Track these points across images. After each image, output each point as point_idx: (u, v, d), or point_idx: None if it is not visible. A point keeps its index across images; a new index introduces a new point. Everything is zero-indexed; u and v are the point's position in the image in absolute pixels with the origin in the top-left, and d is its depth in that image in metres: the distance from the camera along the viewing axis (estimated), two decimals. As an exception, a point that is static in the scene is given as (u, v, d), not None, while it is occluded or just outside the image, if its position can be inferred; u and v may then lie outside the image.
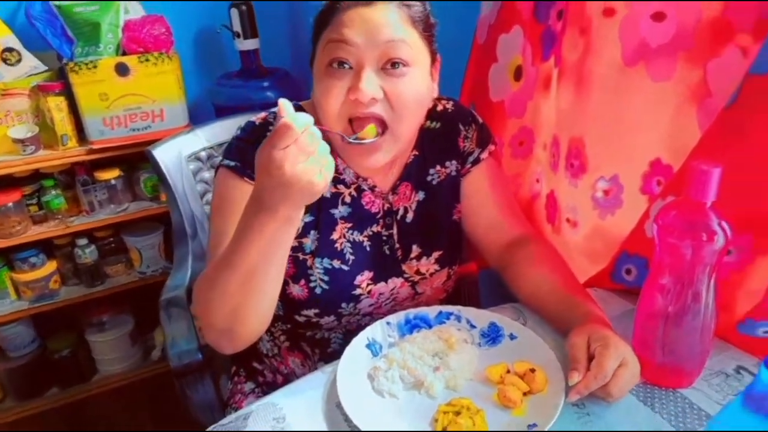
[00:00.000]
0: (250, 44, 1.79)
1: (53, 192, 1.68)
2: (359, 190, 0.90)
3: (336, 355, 0.93)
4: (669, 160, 0.91)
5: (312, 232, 0.88)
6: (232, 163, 0.84)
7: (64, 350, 1.83)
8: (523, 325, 0.83)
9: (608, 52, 0.95)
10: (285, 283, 0.91)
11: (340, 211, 0.90)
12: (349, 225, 0.90)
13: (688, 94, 0.86)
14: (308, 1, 0.88)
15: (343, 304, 0.90)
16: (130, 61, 1.57)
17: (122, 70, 1.57)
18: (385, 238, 0.93)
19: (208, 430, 0.72)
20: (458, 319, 0.86)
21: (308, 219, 0.88)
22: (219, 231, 0.83)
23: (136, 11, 1.68)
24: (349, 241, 0.90)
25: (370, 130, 0.79)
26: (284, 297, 0.92)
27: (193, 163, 1.26)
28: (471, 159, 0.97)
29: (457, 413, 0.68)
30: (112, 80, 1.56)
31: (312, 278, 0.89)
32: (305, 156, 0.62)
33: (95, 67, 1.54)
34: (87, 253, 1.75)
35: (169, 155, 1.24)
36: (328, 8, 0.80)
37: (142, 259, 1.85)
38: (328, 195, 0.89)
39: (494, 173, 0.99)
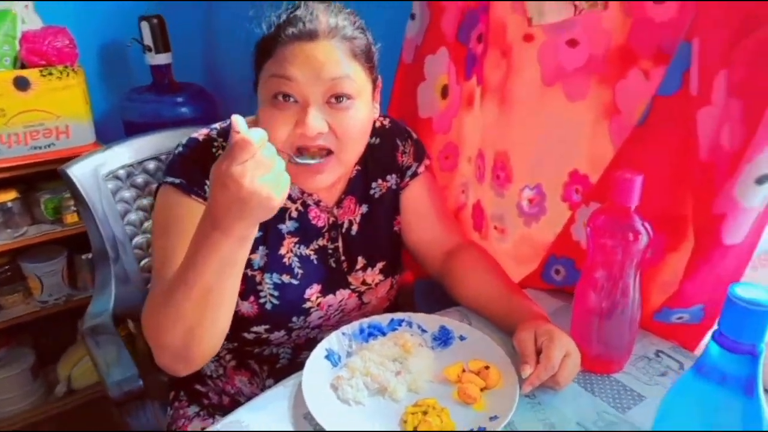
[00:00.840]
0: (162, 59, 1.73)
1: (-62, 217, 1.51)
2: (305, 205, 0.92)
3: (285, 370, 0.94)
4: (586, 171, 1.02)
5: (260, 247, 0.89)
6: (177, 181, 0.83)
7: (-48, 393, 1.64)
8: (469, 326, 0.89)
9: (528, 74, 1.05)
10: None
11: (287, 226, 0.91)
12: (296, 239, 0.92)
13: (601, 112, 0.97)
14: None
15: (294, 318, 0.91)
16: (30, 74, 1.47)
17: (21, 83, 1.46)
18: (330, 251, 0.95)
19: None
20: (410, 324, 0.90)
21: (257, 234, 0.88)
22: (166, 251, 0.81)
23: (35, 22, 1.57)
24: (296, 255, 0.91)
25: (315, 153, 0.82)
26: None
27: (111, 182, 1.21)
28: (409, 173, 1.01)
29: (424, 413, 0.72)
30: (10, 95, 1.45)
31: (262, 294, 0.89)
32: (264, 170, 0.62)
33: (-10, 80, 1.42)
34: (-21, 284, 1.60)
35: (85, 174, 1.18)
36: (270, 38, 0.80)
37: (42, 287, 1.71)
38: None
39: (431, 186, 1.04)
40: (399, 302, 1.21)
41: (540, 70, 1.03)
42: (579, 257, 0.94)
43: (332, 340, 0.85)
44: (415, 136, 1.05)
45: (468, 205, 1.27)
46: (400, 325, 0.89)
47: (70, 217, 1.67)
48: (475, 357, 0.81)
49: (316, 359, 0.81)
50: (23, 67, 1.49)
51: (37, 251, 1.70)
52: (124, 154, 1.23)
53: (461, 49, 1.15)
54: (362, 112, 0.83)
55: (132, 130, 1.75)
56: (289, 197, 0.91)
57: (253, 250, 0.87)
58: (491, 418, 0.71)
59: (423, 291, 1.26)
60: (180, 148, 0.87)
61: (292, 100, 0.78)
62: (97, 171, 1.18)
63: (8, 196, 1.59)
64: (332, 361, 0.82)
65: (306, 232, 0.92)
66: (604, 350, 0.81)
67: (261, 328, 0.90)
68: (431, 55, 1.17)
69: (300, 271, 0.91)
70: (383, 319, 0.90)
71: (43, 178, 1.63)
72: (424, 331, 0.89)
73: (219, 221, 0.65)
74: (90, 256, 1.77)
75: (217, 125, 0.90)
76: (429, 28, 1.16)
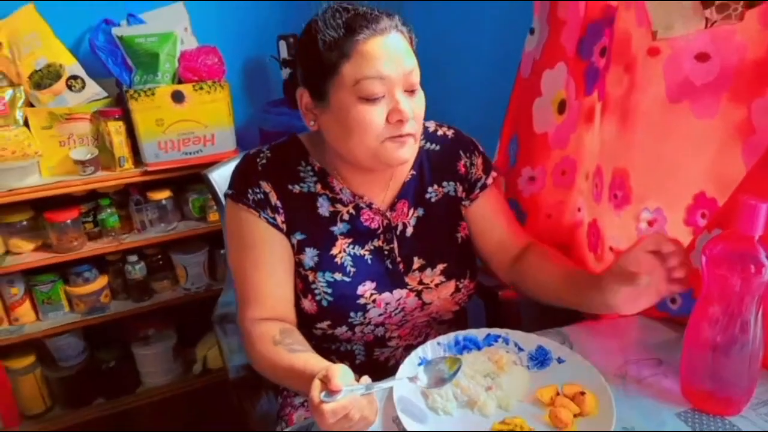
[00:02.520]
0: (296, 73, 1.87)
1: (108, 210, 1.76)
2: (357, 208, 0.97)
3: (363, 367, 1.00)
4: (713, 194, 0.94)
5: (307, 249, 0.95)
6: (230, 191, 0.95)
7: (111, 362, 1.90)
8: (570, 349, 0.86)
9: (653, 89, 0.99)
10: (297, 298, 0.97)
11: (339, 227, 0.96)
12: (349, 240, 0.96)
13: (732, 131, 0.90)
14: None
15: (352, 314, 0.95)
16: (185, 89, 1.66)
17: (178, 97, 1.66)
18: (386, 252, 0.98)
19: (274, 439, 0.77)
20: (506, 341, 0.89)
21: (300, 237, 0.94)
22: (238, 269, 0.95)
23: (191, 42, 1.78)
24: (349, 255, 0.96)
25: None
26: (300, 311, 0.98)
27: (244, 186, 1.33)
28: (479, 185, 1.04)
29: (511, 432, 0.72)
30: (168, 107, 1.65)
31: (317, 292, 0.94)
32: (347, 421, 0.69)
33: (153, 94, 1.63)
34: (137, 270, 1.83)
35: (223, 178, 1.31)
36: (342, 40, 0.82)
37: (187, 276, 1.92)
38: (326, 214, 0.96)
39: (498, 196, 1.09)
40: (504, 316, 1.21)
41: (665, 85, 0.97)
42: (697, 286, 0.87)
43: (427, 349, 0.87)
44: (481, 148, 1.08)
45: (584, 223, 1.23)
46: (496, 340, 0.90)
47: (213, 216, 1.86)
48: (571, 381, 0.79)
49: (409, 365, 0.84)
50: (180, 82, 1.70)
51: (184, 244, 1.91)
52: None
53: (581, 64, 1.11)
54: (422, 95, 0.89)
55: (266, 138, 1.91)
56: (341, 201, 0.96)
57: (300, 251, 0.95)
58: (581, 446, 0.70)
59: (529, 308, 1.23)
60: (237, 163, 0.98)
61: (379, 96, 0.83)
62: (233, 176, 1.31)
63: (163, 195, 1.81)
64: (425, 370, 0.85)
65: (359, 233, 0.97)
66: (719, 388, 0.75)
67: (324, 324, 0.96)
68: (549, 70, 1.15)
69: (352, 270, 0.95)
70: (479, 333, 0.90)
71: (191, 180, 1.84)
72: (521, 349, 0.88)
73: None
74: (226, 251, 1.96)
75: (274, 142, 1.00)
76: (547, 42, 1.14)
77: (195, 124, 1.70)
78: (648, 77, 1.00)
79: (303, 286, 0.96)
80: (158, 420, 1.91)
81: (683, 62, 0.93)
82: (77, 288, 1.77)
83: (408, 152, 0.88)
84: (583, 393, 0.76)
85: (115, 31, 1.66)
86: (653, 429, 0.73)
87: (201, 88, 1.67)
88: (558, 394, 0.78)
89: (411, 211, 1.00)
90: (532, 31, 1.18)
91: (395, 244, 0.99)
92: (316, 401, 0.67)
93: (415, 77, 0.86)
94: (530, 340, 0.88)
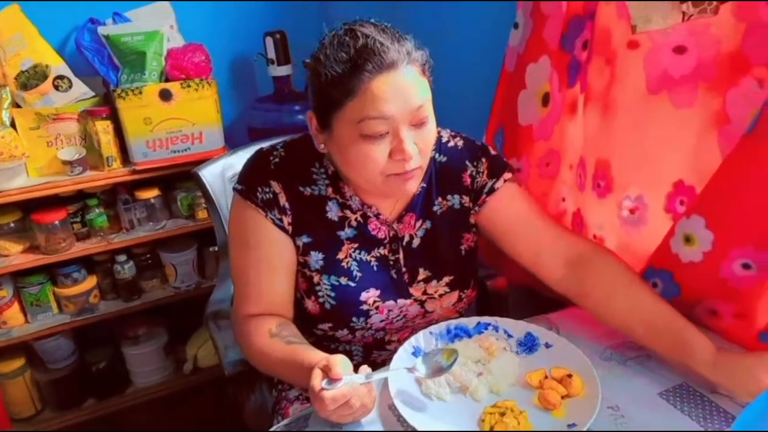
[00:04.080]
0: (283, 70, 1.88)
1: (96, 210, 1.76)
2: (365, 217, 0.96)
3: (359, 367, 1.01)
4: (691, 182, 0.98)
5: (313, 252, 0.94)
6: (239, 187, 0.94)
7: (101, 362, 1.90)
8: (557, 334, 0.89)
9: (633, 81, 1.02)
10: (301, 298, 0.98)
11: (347, 232, 0.95)
12: (356, 245, 0.96)
13: (709, 121, 0.93)
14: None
15: (354, 319, 0.96)
16: (173, 87, 1.66)
17: (165, 95, 1.66)
18: (392, 261, 0.98)
19: (271, 430, 0.78)
20: (496, 329, 0.92)
21: (306, 240, 0.94)
22: (239, 266, 0.95)
23: (177, 40, 1.78)
24: (355, 260, 0.96)
25: None
26: (302, 311, 0.99)
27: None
28: (486, 189, 1.00)
29: (502, 414, 0.74)
30: (156, 105, 1.66)
31: (320, 294, 0.95)
32: (347, 409, 0.72)
33: (140, 93, 1.63)
34: (126, 269, 1.83)
35: (213, 176, 1.32)
36: (347, 78, 0.79)
37: (176, 274, 1.92)
38: (335, 218, 0.95)
39: (519, 195, 1.01)
40: (493, 309, 1.23)
41: (645, 77, 1.00)
42: (677, 271, 0.90)
43: (419, 338, 0.89)
44: (492, 152, 1.03)
45: (568, 213, 1.26)
46: (486, 328, 0.92)
47: (201, 213, 1.87)
48: (559, 365, 0.82)
49: (403, 354, 0.86)
50: (167, 80, 1.70)
51: (173, 243, 1.91)
52: (246, 158, 1.36)
53: (564, 57, 1.14)
54: (433, 123, 0.86)
55: (255, 135, 1.92)
56: (350, 208, 0.95)
57: (307, 254, 0.94)
58: (569, 425, 0.72)
59: (516, 297, 1.26)
60: (250, 157, 0.97)
61: (384, 133, 0.81)
62: (223, 173, 1.32)
63: (152, 194, 1.81)
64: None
65: (366, 239, 0.96)
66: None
67: (326, 326, 0.97)
68: (533, 64, 1.18)
69: (358, 275, 0.95)
70: (470, 322, 0.93)
71: (179, 178, 1.84)
72: (510, 335, 0.91)
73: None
74: (216, 248, 1.96)
75: (288, 138, 0.99)
76: (531, 36, 1.17)
77: (183, 122, 1.70)
78: (628, 69, 1.03)
79: (307, 287, 0.96)
80: (150, 420, 1.91)
81: (662, 55, 0.96)
82: (66, 289, 1.77)
83: (414, 185, 0.87)
84: (570, 375, 0.79)
85: (101, 30, 1.66)
86: (638, 408, 0.76)
87: (188, 86, 1.68)
88: (546, 377, 0.81)
89: (418, 223, 0.99)
90: (516, 26, 1.20)
91: (401, 255, 0.98)
92: (317, 389, 0.68)
93: (425, 111, 0.82)
94: (519, 327, 0.91)
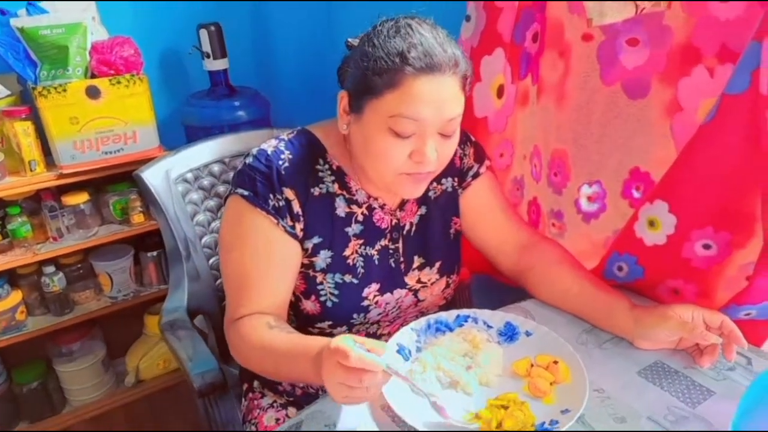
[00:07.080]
0: (219, 64, 1.80)
1: (19, 220, 1.61)
2: (370, 209, 0.96)
3: None
4: (647, 168, 1.03)
5: (322, 252, 0.93)
6: (246, 193, 0.88)
7: (32, 383, 1.75)
8: (534, 322, 0.91)
9: (588, 73, 1.06)
10: (297, 299, 0.96)
11: (353, 229, 0.95)
12: (361, 241, 0.96)
13: (663, 109, 0.98)
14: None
15: (354, 315, 0.96)
16: (100, 83, 1.54)
17: (93, 92, 1.54)
18: (391, 251, 0.98)
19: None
20: (475, 320, 0.93)
21: (317, 240, 0.92)
22: (237, 266, 0.89)
23: (101, 33, 1.65)
24: (361, 255, 0.95)
25: None
26: (298, 312, 0.97)
27: (180, 185, 1.27)
28: (471, 173, 1.04)
29: (504, 407, 0.75)
30: (83, 103, 1.53)
31: (322, 293, 0.93)
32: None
33: (65, 90, 1.50)
34: (55, 281, 1.69)
35: (157, 178, 1.24)
36: (393, 70, 0.78)
37: (112, 284, 1.80)
38: (343, 215, 0.94)
39: (494, 185, 1.07)
40: (456, 299, 1.25)
41: (599, 69, 1.04)
42: (642, 254, 0.95)
43: (403, 336, 0.89)
44: (473, 138, 1.07)
45: (523, 202, 1.29)
46: (465, 320, 0.93)
47: (137, 218, 1.75)
48: (542, 352, 0.84)
49: (389, 354, 0.85)
50: (93, 76, 1.57)
51: (107, 250, 1.79)
52: (191, 157, 1.29)
53: (516, 49, 1.16)
54: (458, 138, 0.87)
55: (192, 133, 1.83)
56: (356, 202, 0.94)
57: (315, 254, 0.92)
58: (563, 412, 0.74)
59: (479, 287, 1.28)
60: (250, 159, 0.90)
61: (411, 134, 0.81)
62: (168, 175, 1.25)
63: (81, 199, 1.68)
64: (403, 356, 0.86)
65: (370, 233, 0.96)
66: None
67: (324, 325, 0.96)
68: (487, 56, 1.19)
69: (362, 271, 0.95)
70: (449, 316, 0.93)
71: (110, 181, 1.72)
72: (489, 326, 0.92)
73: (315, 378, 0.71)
74: (154, 253, 1.86)
75: (284, 136, 0.94)
76: (485, 29, 1.18)
77: (114, 120, 1.59)
78: (583, 61, 1.07)
79: (306, 288, 0.93)
80: (95, 438, 1.80)
81: (616, 47, 1.00)
82: (-12, 307, 1.61)
83: (422, 188, 0.89)
84: (556, 362, 0.81)
85: (15, 23, 1.51)
86: (622, 388, 0.79)
87: (118, 83, 1.56)
88: (532, 365, 0.82)
89: (417, 209, 1.01)
90: (468, 19, 1.21)
91: (400, 244, 0.99)
92: (347, 346, 0.65)
93: (455, 124, 0.83)
94: (497, 317, 0.92)
